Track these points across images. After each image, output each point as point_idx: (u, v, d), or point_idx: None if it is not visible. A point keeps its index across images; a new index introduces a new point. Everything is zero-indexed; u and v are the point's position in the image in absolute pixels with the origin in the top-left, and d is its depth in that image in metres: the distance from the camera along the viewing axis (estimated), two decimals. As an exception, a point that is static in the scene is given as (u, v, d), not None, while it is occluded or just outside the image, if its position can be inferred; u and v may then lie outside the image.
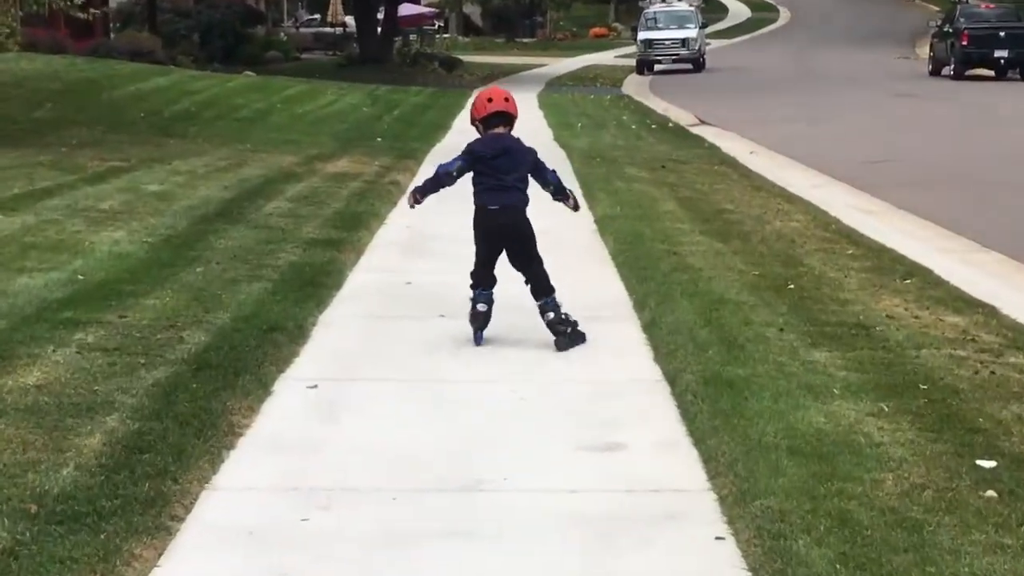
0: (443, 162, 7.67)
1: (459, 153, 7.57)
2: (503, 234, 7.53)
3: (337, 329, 7.80)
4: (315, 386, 6.54)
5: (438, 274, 9.60)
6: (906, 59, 57.03)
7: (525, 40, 74.63)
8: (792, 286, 8.76)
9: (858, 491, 4.80)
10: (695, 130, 24.06)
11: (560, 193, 7.76)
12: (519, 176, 7.46)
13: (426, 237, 11.33)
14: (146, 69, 27.99)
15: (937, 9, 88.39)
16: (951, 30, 41.87)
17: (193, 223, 11.12)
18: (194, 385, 6.09)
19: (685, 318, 7.66)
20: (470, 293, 7.63)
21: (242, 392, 6.11)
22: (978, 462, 5.15)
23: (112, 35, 39.62)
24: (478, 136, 7.56)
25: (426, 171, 17.44)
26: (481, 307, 7.59)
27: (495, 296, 7.62)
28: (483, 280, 7.61)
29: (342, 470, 5.29)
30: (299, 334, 7.41)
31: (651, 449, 5.62)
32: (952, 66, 41.02)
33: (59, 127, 19.17)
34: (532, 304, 7.59)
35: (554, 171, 7.78)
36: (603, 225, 11.66)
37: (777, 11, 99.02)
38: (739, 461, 5.15)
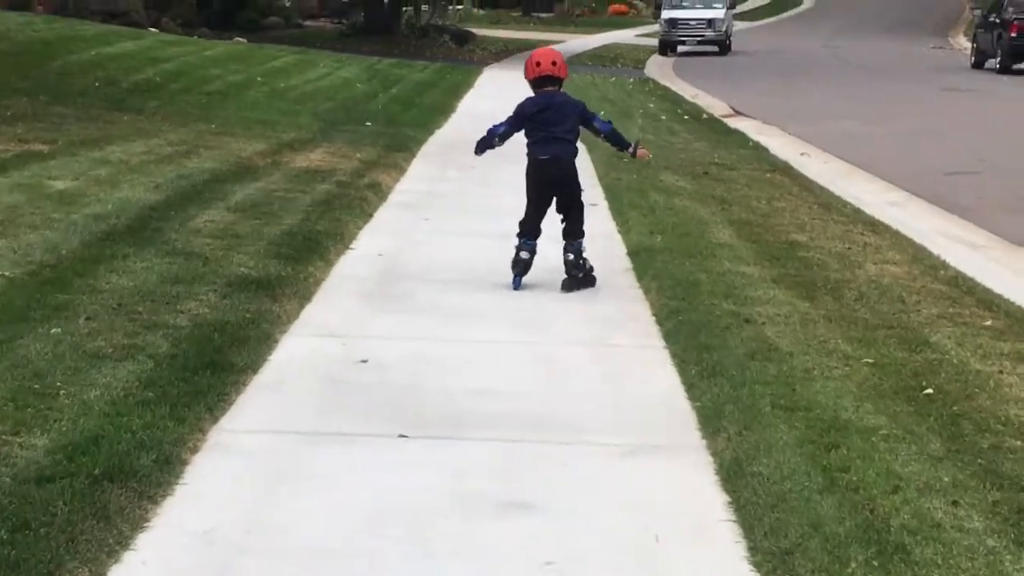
0: (495, 122, 8.12)
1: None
2: (552, 182, 8.03)
3: (217, 480, 4.75)
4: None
5: (412, 341, 6.72)
6: (941, 49, 54.05)
7: (542, 15, 71.50)
8: (930, 390, 5.85)
9: None
10: (732, 123, 21.09)
11: (617, 142, 8.33)
12: (566, 128, 7.96)
13: (402, 274, 8.41)
14: (115, 32, 24.97)
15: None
16: (998, 20, 38.69)
17: (87, 243, 8.21)
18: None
19: (788, 463, 4.76)
20: (515, 242, 8.06)
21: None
22: None
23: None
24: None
25: (418, 169, 14.58)
26: (524, 255, 8.05)
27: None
28: (530, 229, 8.06)
29: None
30: (139, 501, 4.40)
31: None
32: (999, 59, 37.92)
33: (-8, 96, 16.27)
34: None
35: (608, 121, 8.37)
36: (640, 262, 8.73)
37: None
38: None
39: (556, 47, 46.70)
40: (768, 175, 13.92)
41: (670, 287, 7.80)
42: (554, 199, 8.08)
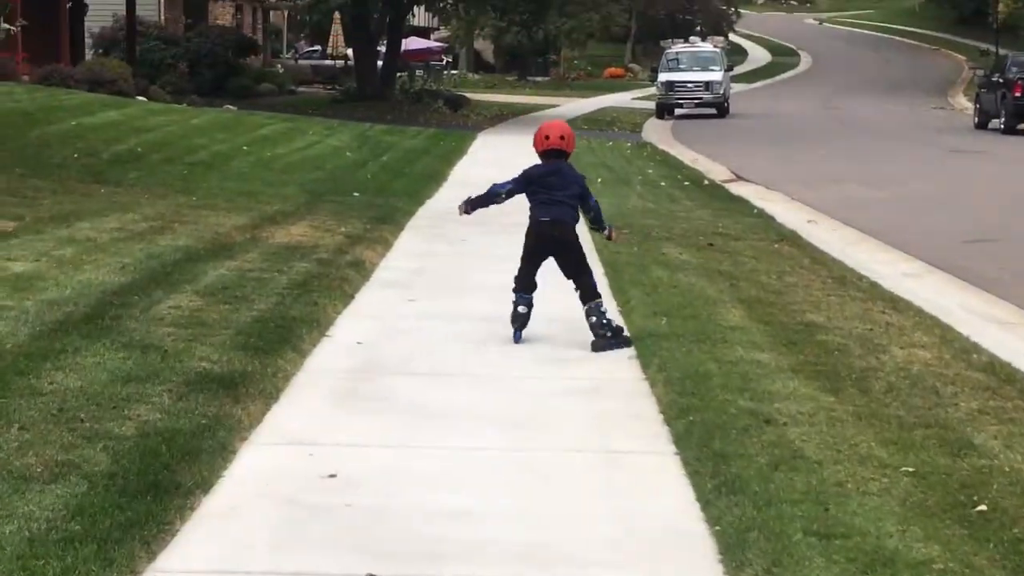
0: (497, 181, 8.47)
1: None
2: (550, 242, 8.30)
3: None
4: None
5: (388, 449, 5.93)
6: (942, 109, 53.66)
7: (538, 79, 71.33)
8: (983, 506, 5.08)
9: None
10: (734, 188, 20.43)
11: (597, 222, 8.64)
12: (569, 194, 8.27)
13: (382, 366, 7.64)
14: (99, 100, 24.32)
15: (964, 58, 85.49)
16: (1001, 80, 38.19)
17: (37, 335, 7.44)
18: None
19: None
20: (512, 299, 8.31)
21: None
22: None
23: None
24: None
25: (406, 243, 13.75)
26: (522, 309, 8.30)
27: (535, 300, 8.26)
28: (525, 285, 8.32)
29: None
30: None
31: None
32: (1003, 119, 37.38)
33: (-37, 169, 15.58)
34: None
35: (596, 202, 8.58)
36: (644, 349, 7.95)
37: (798, 56, 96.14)
38: None
39: (550, 111, 46.19)
40: (776, 246, 13.20)
41: (679, 379, 7.03)
42: (558, 264, 8.41)
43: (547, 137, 8.30)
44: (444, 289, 10.29)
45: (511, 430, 6.28)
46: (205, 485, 5.21)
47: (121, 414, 5.93)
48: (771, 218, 15.86)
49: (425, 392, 6.96)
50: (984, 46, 74.68)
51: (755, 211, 16.51)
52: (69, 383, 6.41)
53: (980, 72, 43.69)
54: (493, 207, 8.58)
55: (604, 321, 8.18)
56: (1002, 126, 37.07)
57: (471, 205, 8.48)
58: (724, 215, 15.85)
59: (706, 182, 20.93)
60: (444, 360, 7.75)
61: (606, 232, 8.74)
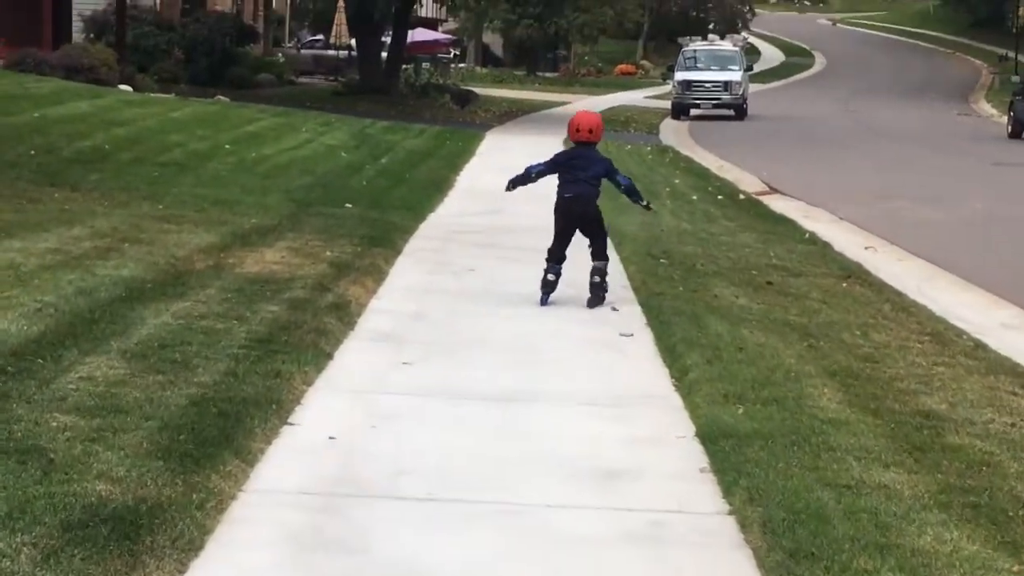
0: (532, 163, 9.87)
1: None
2: (574, 216, 9.61)
3: None
4: None
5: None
6: (967, 116, 51.48)
7: (547, 74, 69.02)
8: None
9: None
10: (773, 203, 18.28)
11: (633, 196, 9.95)
12: (591, 175, 9.58)
13: (358, 483, 5.44)
14: (71, 89, 22.08)
15: (980, 62, 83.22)
16: (1038, 88, 36.13)
17: None
18: None
19: None
20: (544, 267, 9.57)
21: None
22: None
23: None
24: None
25: (403, 273, 10.78)
26: (551, 276, 9.59)
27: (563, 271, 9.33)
28: (556, 255, 9.61)
29: None
30: None
31: None
32: (1041, 128, 35.30)
33: None
34: None
35: (627, 178, 9.93)
36: (721, 461, 5.74)
37: (812, 56, 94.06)
38: None
39: (561, 109, 43.99)
40: (844, 284, 11.05)
41: (783, 523, 4.86)
42: (581, 231, 9.66)
43: (578, 129, 9.64)
44: (447, 347, 8.10)
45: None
46: None
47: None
48: (826, 245, 13.70)
49: (418, 538, 4.80)
50: (1001, 51, 72.49)
51: (806, 235, 14.35)
52: None
53: (1013, 79, 41.30)
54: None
55: (603, 282, 9.60)
56: (1040, 136, 35.00)
57: (513, 184, 9.90)
58: (772, 240, 13.69)
59: (741, 196, 18.74)
60: (440, 473, 5.58)
61: (644, 203, 10.15)
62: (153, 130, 18.92)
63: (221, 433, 5.62)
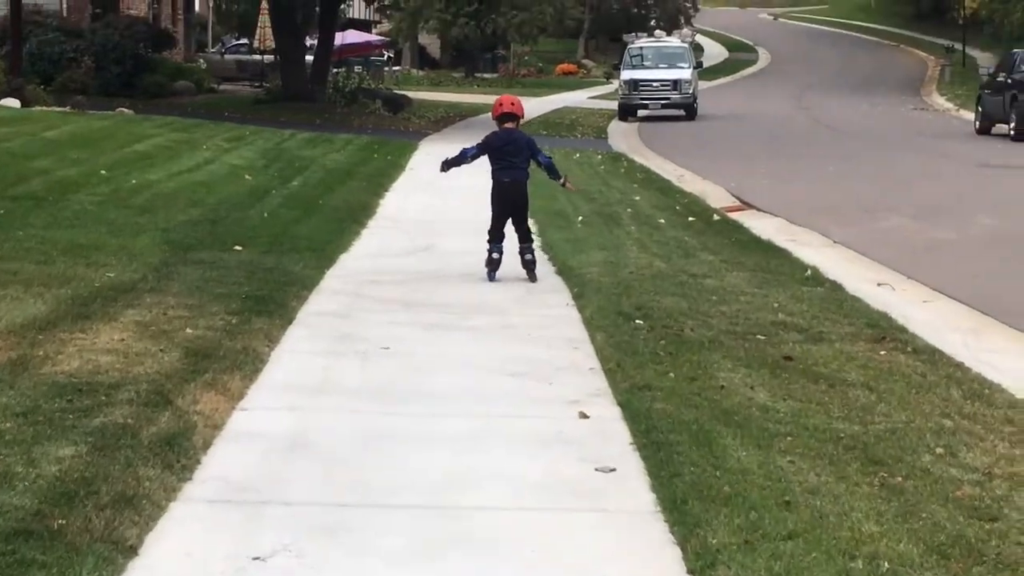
0: (466, 146, 10.88)
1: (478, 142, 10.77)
2: (511, 199, 10.76)
3: None
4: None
5: None
6: (923, 110, 49.28)
7: (486, 76, 66.26)
8: None
9: None
10: (750, 223, 15.60)
11: (551, 173, 11.10)
12: (522, 159, 10.73)
13: None
14: (-74, 106, 19.03)
15: (926, 54, 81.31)
16: (1009, 81, 33.62)
17: None
18: None
19: None
20: (487, 247, 10.70)
21: None
22: None
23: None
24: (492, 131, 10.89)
25: (290, 359, 7.05)
26: (495, 255, 10.72)
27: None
28: (497, 236, 10.72)
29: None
30: None
31: None
32: (1013, 124, 32.81)
33: None
34: None
35: (547, 156, 11.23)
36: None
37: (755, 52, 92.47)
38: None
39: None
40: (883, 353, 8.27)
41: None
42: (509, 215, 10.80)
43: (500, 104, 10.83)
44: (330, 511, 5.19)
45: None
46: None
47: None
48: (835, 287, 10.94)
49: None
50: (947, 42, 70.73)
51: (807, 272, 11.57)
52: None
53: (984, 71, 38.87)
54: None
55: (533, 260, 10.82)
56: (1012, 132, 32.53)
57: (447, 165, 10.93)
58: (770, 282, 10.90)
59: (716, 217, 15.95)
60: None
61: (561, 181, 11.21)
62: (16, 153, 15.85)
63: None
